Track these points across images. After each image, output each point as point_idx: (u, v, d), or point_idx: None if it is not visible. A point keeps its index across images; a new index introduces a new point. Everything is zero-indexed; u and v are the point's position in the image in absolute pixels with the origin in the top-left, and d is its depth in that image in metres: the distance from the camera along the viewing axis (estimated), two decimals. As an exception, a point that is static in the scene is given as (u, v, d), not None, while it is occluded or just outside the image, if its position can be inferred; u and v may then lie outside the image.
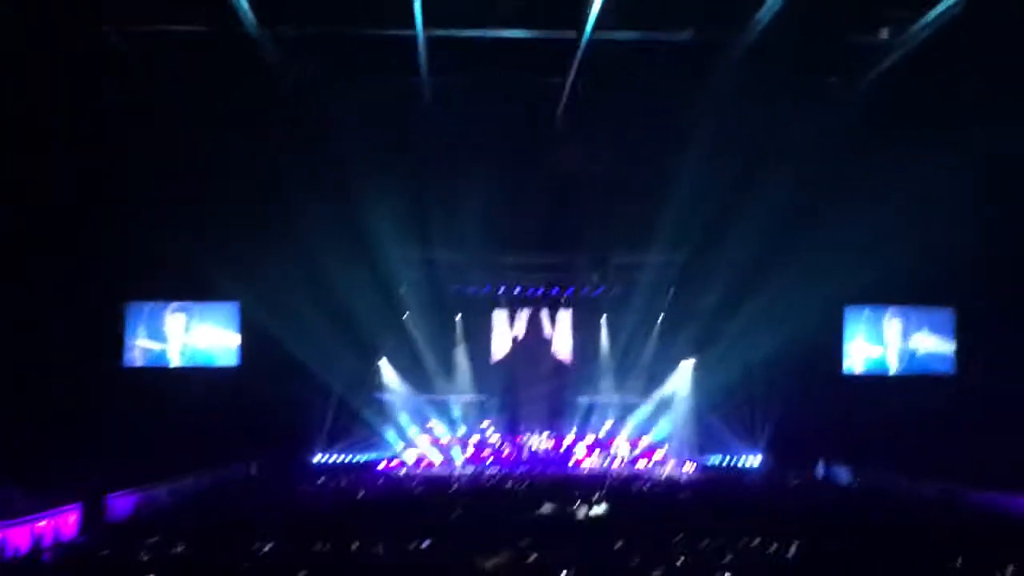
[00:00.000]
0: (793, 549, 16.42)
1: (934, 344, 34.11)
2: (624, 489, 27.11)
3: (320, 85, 24.39)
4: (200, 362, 33.98)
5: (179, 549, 16.63)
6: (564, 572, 13.79)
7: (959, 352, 33.76)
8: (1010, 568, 14.24)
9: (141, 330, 33.64)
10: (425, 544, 16.63)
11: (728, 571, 14.05)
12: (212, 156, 26.59)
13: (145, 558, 15.78)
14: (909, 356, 34.34)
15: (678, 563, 14.87)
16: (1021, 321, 28.32)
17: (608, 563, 15.43)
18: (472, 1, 20.45)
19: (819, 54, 22.67)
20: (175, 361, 33.87)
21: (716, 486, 28.39)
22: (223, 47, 22.06)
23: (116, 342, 33.32)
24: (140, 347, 33.62)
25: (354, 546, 16.56)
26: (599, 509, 22.45)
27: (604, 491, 25.57)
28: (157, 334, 33.74)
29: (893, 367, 34.45)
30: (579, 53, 22.02)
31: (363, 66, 23.57)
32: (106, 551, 16.81)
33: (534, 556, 14.94)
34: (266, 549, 16.57)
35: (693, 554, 15.69)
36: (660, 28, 21.69)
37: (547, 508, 22.52)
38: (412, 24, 20.65)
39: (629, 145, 27.27)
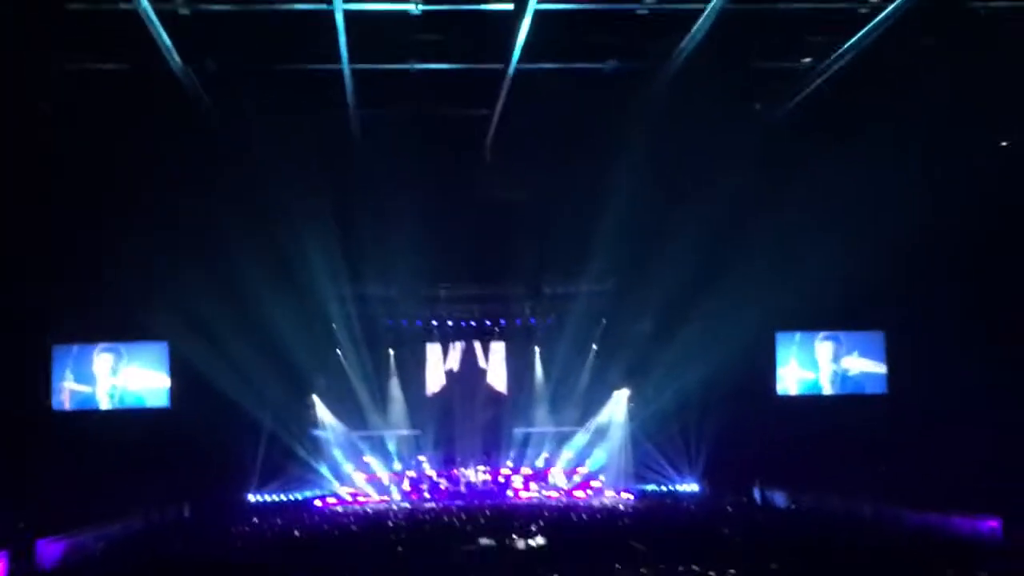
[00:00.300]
0: (732, 573, 16.41)
1: (866, 366, 34.44)
2: (562, 519, 27.06)
3: (247, 121, 24.18)
4: (130, 404, 33.35)
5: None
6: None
7: (891, 372, 34.12)
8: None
9: (68, 372, 32.97)
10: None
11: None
12: (139, 194, 26.20)
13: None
14: (841, 378, 34.64)
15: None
16: (949, 340, 28.64)
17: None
18: (397, 35, 20.35)
19: (742, 81, 22.86)
20: (104, 403, 33.25)
21: (653, 513, 28.40)
22: (147, 84, 21.80)
23: (43, 384, 32.70)
24: (68, 389, 32.96)
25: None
26: (537, 540, 22.33)
27: (542, 522, 25.53)
28: (85, 376, 33.09)
29: (826, 389, 34.73)
30: (505, 84, 22.01)
31: (289, 102, 23.34)
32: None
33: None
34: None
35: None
36: (585, 58, 21.78)
37: (485, 541, 22.37)
38: (338, 59, 20.52)
39: (558, 174, 27.31)
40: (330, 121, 24.76)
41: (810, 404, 34.42)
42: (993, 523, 21.81)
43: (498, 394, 37.94)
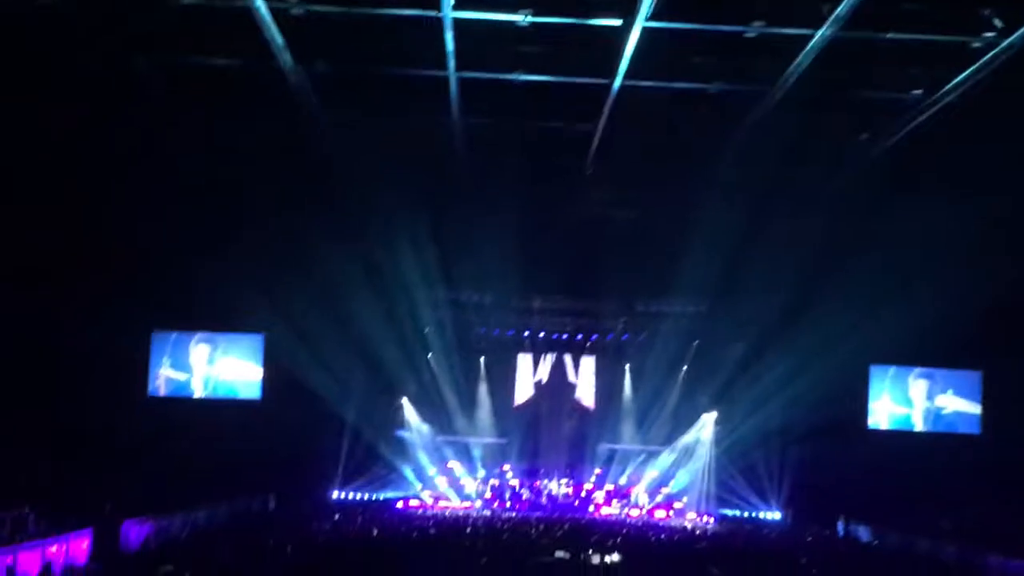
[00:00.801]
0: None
1: (961, 405, 33.85)
2: (641, 538, 26.92)
3: (353, 124, 24.52)
4: (223, 394, 34.11)
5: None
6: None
7: (985, 413, 33.47)
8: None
9: (166, 359, 33.81)
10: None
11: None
12: (243, 189, 26.71)
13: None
14: (935, 416, 34.09)
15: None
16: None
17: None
18: (505, 45, 20.48)
19: (848, 110, 22.64)
20: (198, 392, 34.00)
21: (732, 538, 28.11)
22: (256, 81, 22.18)
23: (141, 370, 33.48)
24: (164, 376, 33.79)
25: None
26: (613, 557, 22.27)
27: (619, 539, 25.45)
28: (182, 364, 33.88)
29: (918, 426, 34.18)
30: (610, 100, 22.01)
31: (395, 106, 23.67)
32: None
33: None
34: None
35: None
36: (690, 78, 21.71)
37: (560, 554, 22.36)
38: (445, 65, 20.70)
39: (656, 192, 27.35)
40: (434, 128, 25.03)
41: (901, 440, 33.93)
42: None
43: (585, 409, 37.91)
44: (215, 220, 27.84)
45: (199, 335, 34.09)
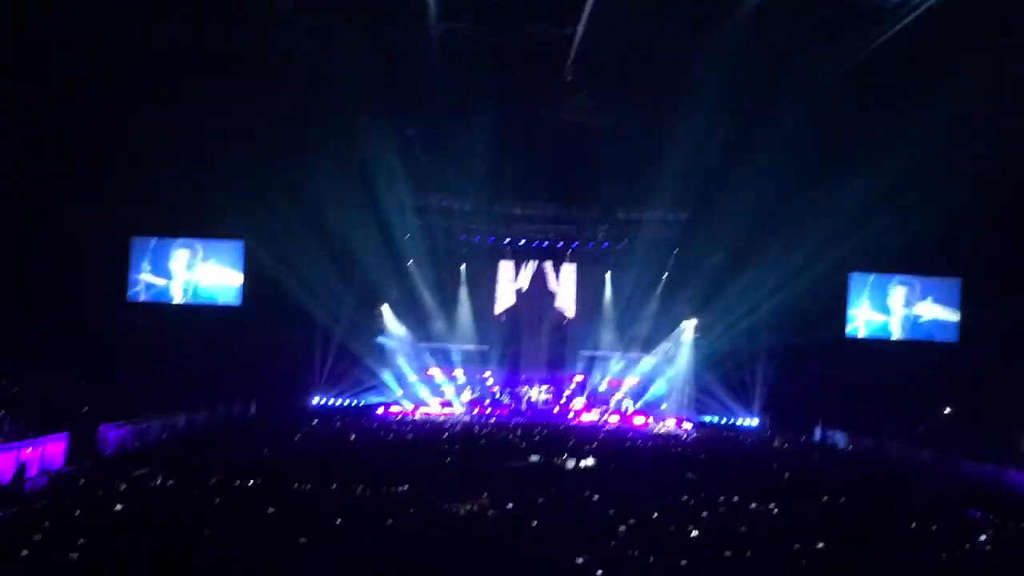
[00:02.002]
0: (773, 508, 16.41)
1: (939, 312, 33.99)
2: (617, 443, 27.16)
3: (328, 31, 24.19)
4: (203, 299, 34.06)
5: (159, 482, 16.71)
6: (534, 523, 13.79)
7: (963, 321, 33.66)
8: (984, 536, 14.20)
9: (146, 265, 33.73)
10: (403, 488, 16.67)
11: (700, 527, 14.01)
12: (222, 97, 26.40)
13: (122, 487, 15.83)
14: (912, 323, 34.25)
15: (653, 516, 14.84)
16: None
17: (583, 513, 15.40)
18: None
19: (828, 16, 22.37)
20: (178, 298, 33.96)
21: (709, 445, 28.35)
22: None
23: (121, 276, 33.45)
24: (144, 281, 33.73)
25: (333, 487, 16.62)
26: (588, 461, 22.46)
27: (596, 444, 25.67)
28: (161, 269, 33.80)
29: (896, 334, 34.36)
30: (589, 4, 21.72)
31: (372, 11, 23.32)
32: (86, 480, 16.95)
33: (509, 505, 14.95)
34: (248, 485, 16.68)
35: (669, 509, 15.66)
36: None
37: (534, 458, 22.56)
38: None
39: (636, 100, 27.04)
40: (412, 32, 24.60)
41: (878, 348, 34.11)
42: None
43: (565, 316, 38.02)
44: (194, 128, 27.53)
45: (179, 240, 33.96)
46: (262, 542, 11.97)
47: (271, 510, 13.88)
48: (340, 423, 29.55)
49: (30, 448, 18.96)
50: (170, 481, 16.78)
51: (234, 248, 33.99)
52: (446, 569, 11.41)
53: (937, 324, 33.97)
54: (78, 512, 13.39)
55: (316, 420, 29.86)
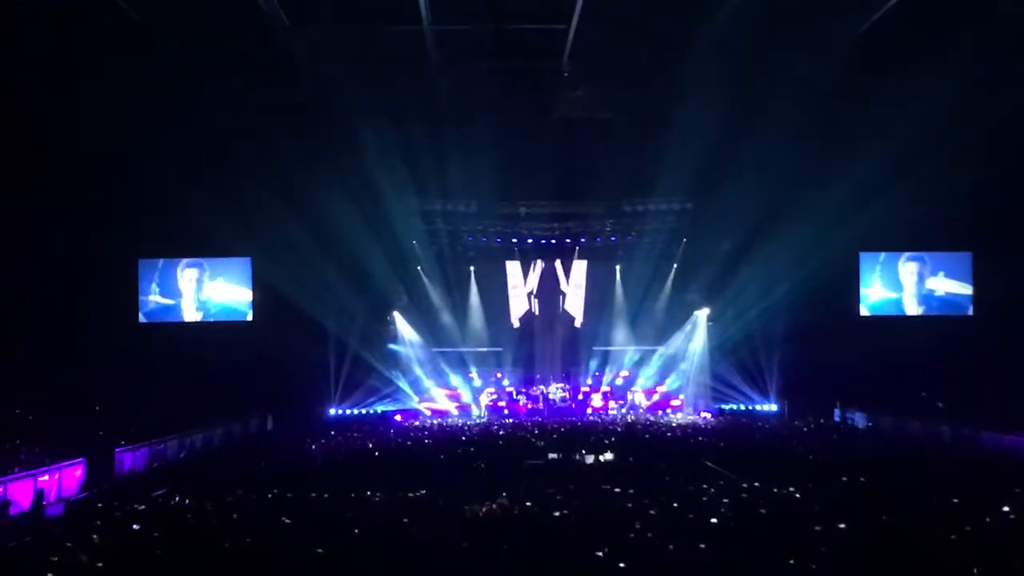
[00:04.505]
0: (794, 491, 16.28)
1: (952, 287, 33.86)
2: (637, 436, 27.02)
3: (323, 36, 24.17)
4: (214, 315, 34.18)
5: (177, 501, 16.65)
6: (557, 514, 13.70)
7: (976, 295, 33.52)
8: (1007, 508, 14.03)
9: (154, 286, 33.88)
10: (422, 492, 16.59)
11: (718, 516, 13.87)
12: (223, 114, 26.47)
13: (141, 508, 15.77)
14: (926, 299, 34.12)
15: (674, 506, 14.71)
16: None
17: (605, 504, 15.29)
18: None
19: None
20: (189, 316, 34.04)
21: (730, 432, 28.20)
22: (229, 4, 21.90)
23: (130, 296, 33.53)
24: (153, 302, 33.81)
25: (352, 495, 16.54)
26: (606, 456, 22.42)
27: (615, 439, 25.56)
28: (170, 290, 33.90)
29: (909, 309, 34.22)
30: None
31: (367, 19, 23.25)
32: (104, 504, 16.90)
33: (528, 504, 14.84)
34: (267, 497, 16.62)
35: (689, 499, 15.53)
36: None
37: (553, 456, 22.53)
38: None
39: (636, 91, 26.94)
40: (406, 36, 24.52)
41: (893, 325, 33.97)
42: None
43: (578, 313, 37.90)
44: (197, 147, 27.63)
45: (185, 261, 34.12)
46: (280, 553, 11.88)
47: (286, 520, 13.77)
48: (358, 432, 29.45)
49: (47, 475, 18.98)
50: (187, 500, 16.73)
51: (242, 265, 34.15)
52: (466, 567, 11.32)
53: (951, 298, 33.81)
54: (96, 537, 13.31)
55: (333, 431, 29.75)
